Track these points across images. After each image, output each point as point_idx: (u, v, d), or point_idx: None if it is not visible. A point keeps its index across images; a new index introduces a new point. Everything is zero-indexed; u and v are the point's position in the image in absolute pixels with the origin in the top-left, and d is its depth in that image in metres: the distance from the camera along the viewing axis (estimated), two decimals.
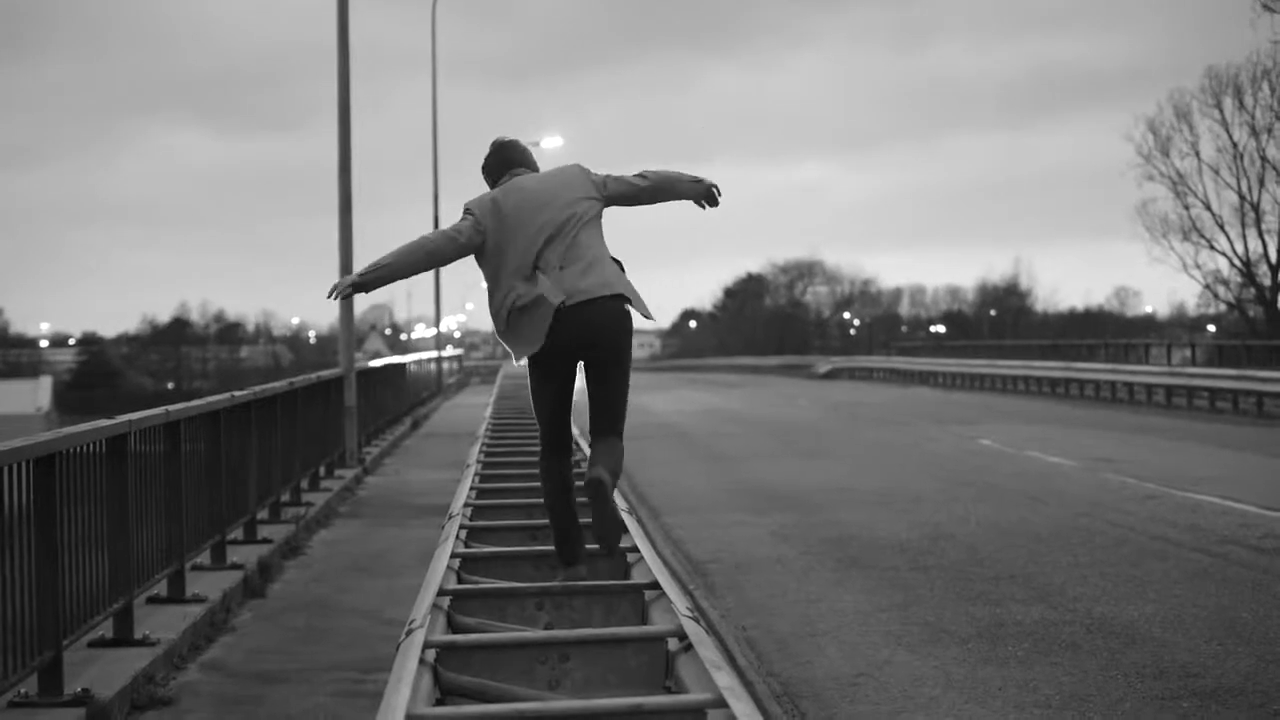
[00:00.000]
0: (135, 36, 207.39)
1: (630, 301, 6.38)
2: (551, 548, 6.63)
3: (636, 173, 6.69)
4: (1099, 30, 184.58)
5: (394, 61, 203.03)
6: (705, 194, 6.68)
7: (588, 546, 6.52)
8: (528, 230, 6.34)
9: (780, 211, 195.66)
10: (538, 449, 6.78)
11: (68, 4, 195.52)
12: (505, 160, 6.74)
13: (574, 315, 6.23)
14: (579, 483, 6.64)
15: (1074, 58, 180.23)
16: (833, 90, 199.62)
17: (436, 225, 48.83)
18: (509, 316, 6.31)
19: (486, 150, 6.79)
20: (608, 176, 6.63)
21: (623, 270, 6.51)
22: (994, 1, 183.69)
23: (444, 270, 53.79)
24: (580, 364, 6.45)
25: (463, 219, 6.45)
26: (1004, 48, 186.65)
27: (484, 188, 6.77)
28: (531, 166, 6.78)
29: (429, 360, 43.23)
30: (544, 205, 6.40)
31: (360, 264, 21.54)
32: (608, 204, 6.59)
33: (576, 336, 6.27)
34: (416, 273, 6.40)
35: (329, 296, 6.46)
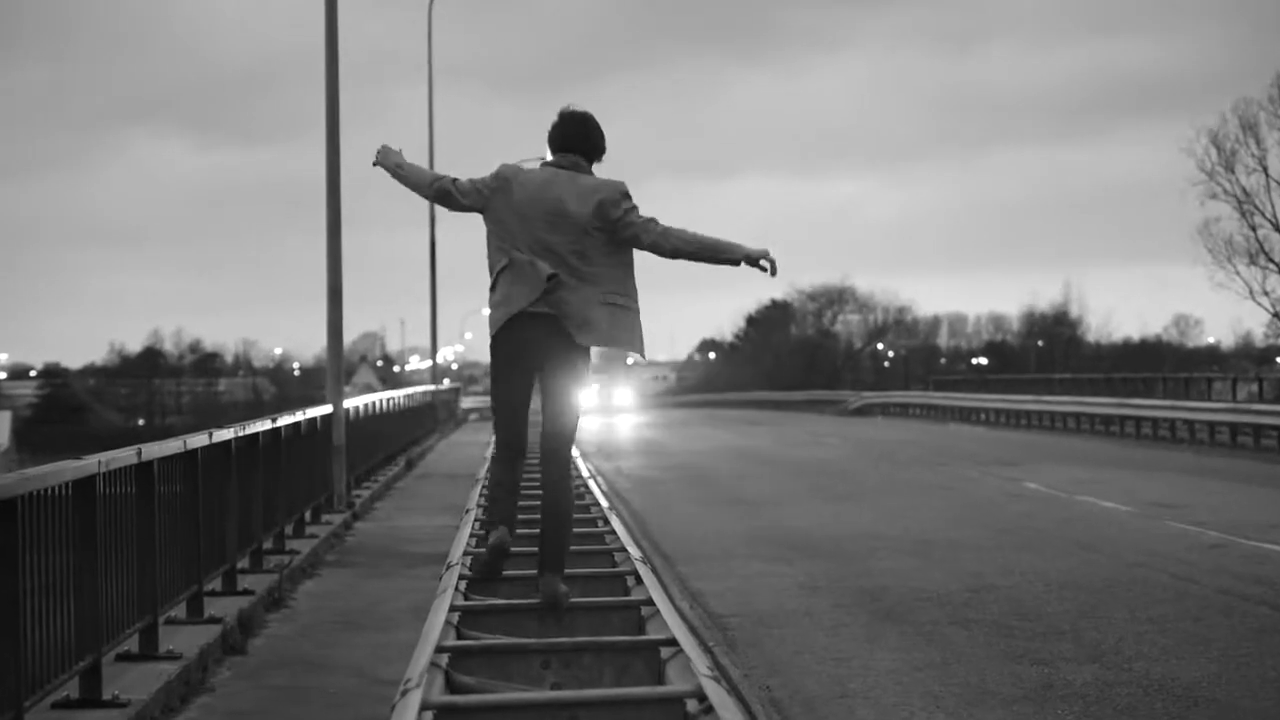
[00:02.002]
0: (110, 41, 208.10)
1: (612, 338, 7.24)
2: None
3: (679, 227, 7.27)
4: (1161, 33, 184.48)
5: (391, 68, 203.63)
6: (761, 257, 7.25)
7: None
8: (534, 235, 7.20)
9: (809, 232, 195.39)
10: (539, 490, 7.64)
11: (35, 6, 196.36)
12: (562, 140, 7.43)
13: (540, 325, 7.19)
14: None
15: (1134, 63, 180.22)
16: (869, 99, 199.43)
17: (433, 247, 49.16)
18: (500, 273, 7.24)
19: (556, 118, 7.47)
20: (625, 216, 7.19)
21: (627, 306, 7.27)
22: (1045, 1, 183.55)
23: (440, 298, 54.09)
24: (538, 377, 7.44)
25: (480, 181, 7.37)
26: (1056, 52, 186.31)
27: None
28: (588, 151, 7.42)
29: (422, 394, 43.27)
30: (558, 222, 7.19)
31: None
32: (621, 240, 7.23)
33: (538, 344, 7.23)
34: (416, 193, 7.62)
35: (376, 160, 7.67)
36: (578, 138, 7.41)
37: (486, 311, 7.51)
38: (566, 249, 7.16)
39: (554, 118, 7.48)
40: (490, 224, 7.32)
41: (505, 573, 7.68)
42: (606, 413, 67.03)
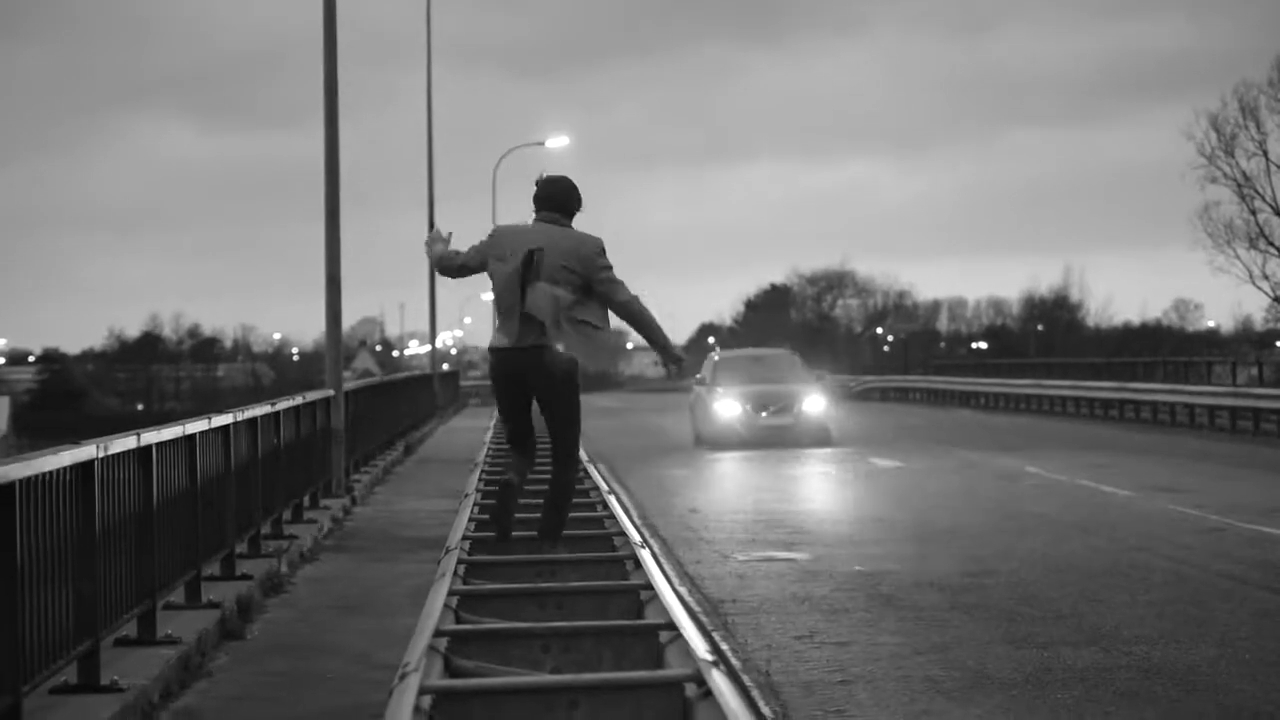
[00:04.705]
0: (109, 21, 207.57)
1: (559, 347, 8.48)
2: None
3: (633, 295, 8.57)
4: (1165, 17, 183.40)
5: (395, 51, 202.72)
6: (673, 360, 8.85)
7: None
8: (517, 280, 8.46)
9: (810, 216, 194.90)
10: (545, 476, 9.08)
11: None
12: (538, 200, 8.74)
13: (514, 358, 8.60)
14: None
15: (1137, 47, 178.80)
16: (877, 83, 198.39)
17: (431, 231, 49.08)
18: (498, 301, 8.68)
19: (536, 182, 8.83)
20: (607, 272, 8.47)
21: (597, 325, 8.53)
22: None
23: (439, 283, 53.85)
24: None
25: (476, 244, 8.86)
26: (1061, 37, 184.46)
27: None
28: (563, 207, 8.67)
29: (421, 379, 43.28)
30: (542, 264, 8.40)
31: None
32: (594, 292, 8.48)
33: (515, 373, 8.65)
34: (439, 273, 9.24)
35: (426, 244, 9.30)
36: (558, 197, 8.68)
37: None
38: (540, 288, 8.38)
39: (536, 182, 8.80)
40: (490, 275, 8.69)
41: (503, 556, 7.76)
42: (778, 441, 31.58)
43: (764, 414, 31.94)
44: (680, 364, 8.89)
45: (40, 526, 7.80)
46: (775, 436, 31.51)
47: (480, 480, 11.20)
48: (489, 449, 13.99)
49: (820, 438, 31.73)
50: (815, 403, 32.41)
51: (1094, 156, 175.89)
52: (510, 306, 8.51)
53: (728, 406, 31.99)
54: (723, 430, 31.78)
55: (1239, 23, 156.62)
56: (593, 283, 8.44)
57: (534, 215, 8.77)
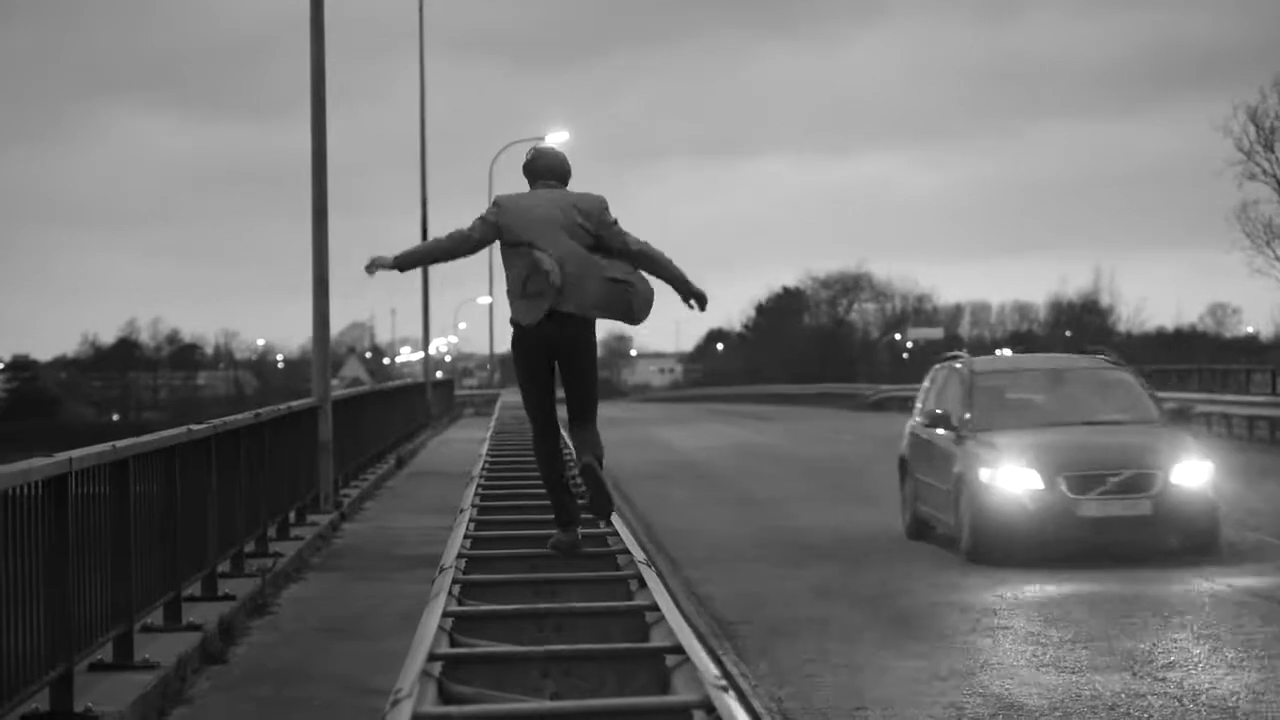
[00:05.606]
0: (83, 9, 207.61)
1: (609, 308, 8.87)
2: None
3: (643, 241, 8.99)
4: (1201, 6, 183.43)
5: (387, 42, 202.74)
6: (695, 296, 9.15)
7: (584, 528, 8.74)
8: (541, 239, 8.72)
9: (825, 214, 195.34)
10: (541, 490, 9.35)
11: None
12: (536, 170, 9.13)
13: (551, 326, 8.75)
14: (574, 472, 9.26)
15: (1171, 38, 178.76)
16: (898, 74, 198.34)
17: (424, 233, 49.08)
18: (525, 282, 8.74)
19: (529, 154, 9.23)
20: (615, 225, 8.90)
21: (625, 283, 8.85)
22: None
23: (432, 287, 53.79)
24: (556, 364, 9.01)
25: (483, 216, 8.99)
26: (1102, 23, 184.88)
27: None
28: (561, 175, 9.11)
29: (414, 387, 43.31)
30: (556, 227, 8.78)
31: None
32: (600, 243, 8.87)
33: (549, 341, 8.84)
34: (443, 261, 9.39)
35: (366, 268, 9.23)
36: (553, 166, 9.12)
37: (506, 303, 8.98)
38: (568, 245, 8.71)
39: (529, 154, 9.21)
40: (506, 242, 8.89)
41: (500, 576, 7.80)
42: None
43: (1094, 493, 16.11)
44: (704, 299, 9.20)
45: (10, 544, 7.79)
46: (1119, 538, 16.21)
47: (476, 496, 11.19)
48: (485, 462, 13.97)
49: (1203, 539, 16.43)
50: (1191, 471, 16.66)
51: (1125, 152, 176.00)
52: (542, 286, 8.75)
53: (1014, 476, 16.18)
54: (1003, 523, 16.04)
55: (1273, 12, 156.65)
56: (602, 236, 8.87)
57: (536, 183, 9.11)
